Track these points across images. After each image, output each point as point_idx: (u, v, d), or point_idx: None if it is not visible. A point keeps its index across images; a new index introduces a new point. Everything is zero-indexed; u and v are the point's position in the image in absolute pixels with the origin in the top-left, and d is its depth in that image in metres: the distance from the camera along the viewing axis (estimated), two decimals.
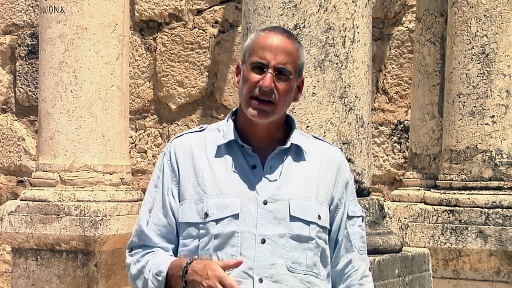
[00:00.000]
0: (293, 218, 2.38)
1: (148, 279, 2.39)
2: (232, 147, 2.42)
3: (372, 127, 5.55)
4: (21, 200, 6.07)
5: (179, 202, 2.42)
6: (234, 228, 2.35)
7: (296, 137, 2.45)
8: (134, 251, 2.47)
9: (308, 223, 2.39)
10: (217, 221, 2.36)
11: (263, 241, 2.35)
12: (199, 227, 2.36)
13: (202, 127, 2.51)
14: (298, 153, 2.45)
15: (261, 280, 2.34)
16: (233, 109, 2.50)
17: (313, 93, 3.91)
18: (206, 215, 2.37)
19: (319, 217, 2.40)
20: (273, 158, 2.41)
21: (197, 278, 2.29)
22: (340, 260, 2.49)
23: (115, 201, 5.93)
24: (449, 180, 5.76)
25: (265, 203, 2.37)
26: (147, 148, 8.24)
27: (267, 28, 2.47)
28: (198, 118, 8.01)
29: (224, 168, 2.40)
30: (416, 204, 5.97)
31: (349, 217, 2.49)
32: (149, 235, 2.44)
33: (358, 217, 2.52)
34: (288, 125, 2.48)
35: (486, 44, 5.64)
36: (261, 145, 2.43)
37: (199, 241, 2.37)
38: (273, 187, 2.39)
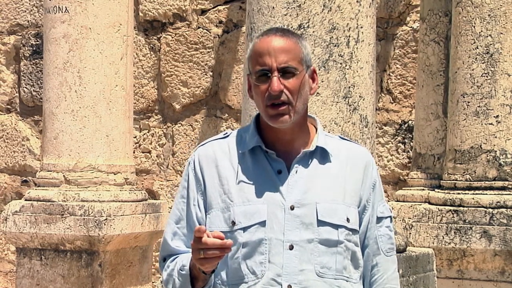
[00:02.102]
0: (320, 223, 2.34)
1: (175, 278, 2.37)
2: (257, 153, 2.40)
3: (376, 127, 5.55)
4: (26, 200, 6.08)
5: (207, 211, 2.40)
6: (261, 235, 2.33)
7: (321, 139, 2.42)
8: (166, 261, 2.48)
9: (336, 226, 2.35)
10: (244, 229, 2.34)
11: (291, 247, 2.32)
12: (227, 236, 2.32)
13: (226, 133, 2.48)
14: (323, 155, 2.41)
15: (290, 287, 2.32)
16: (257, 113, 2.47)
17: (317, 93, 3.91)
18: (233, 223, 2.34)
19: (348, 220, 2.37)
20: (299, 162, 2.38)
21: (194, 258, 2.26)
22: (367, 263, 2.45)
23: (119, 201, 5.93)
24: (453, 180, 5.76)
25: (292, 208, 2.34)
26: (151, 148, 8.25)
27: (261, 34, 2.44)
28: (202, 118, 8.01)
29: (249, 174, 2.37)
30: (420, 204, 5.96)
31: (378, 219, 2.46)
32: (175, 247, 2.43)
33: (386, 217, 2.48)
34: (314, 128, 2.45)
35: (491, 44, 5.63)
36: (286, 149, 2.39)
37: None
38: (300, 192, 2.35)
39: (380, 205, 2.47)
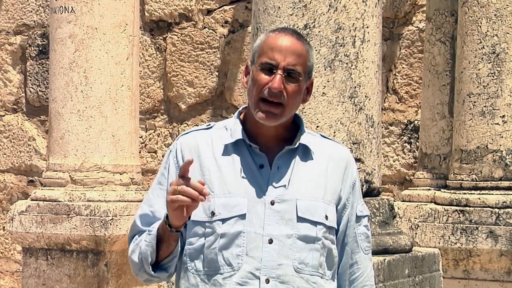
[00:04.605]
0: (300, 219, 2.36)
1: (141, 245, 2.37)
2: (240, 146, 2.41)
3: (382, 127, 5.54)
4: (32, 200, 6.09)
5: None
6: (240, 228, 2.34)
7: (304, 137, 2.44)
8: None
9: (315, 223, 2.37)
10: (223, 220, 2.35)
11: (271, 241, 2.34)
12: (205, 225, 2.35)
13: (210, 124, 2.50)
14: (305, 153, 2.43)
15: (267, 281, 2.33)
16: (241, 108, 2.49)
17: (323, 93, 3.91)
18: (213, 214, 2.36)
19: (326, 217, 2.39)
20: (281, 158, 2.40)
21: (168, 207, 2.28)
22: (346, 261, 2.48)
23: (125, 201, 5.94)
24: (459, 180, 5.75)
25: (272, 203, 2.36)
26: (157, 148, 8.25)
27: (277, 29, 2.46)
28: (208, 118, 8.02)
29: (231, 167, 2.39)
30: (426, 204, 5.96)
31: (357, 217, 2.49)
32: (146, 228, 2.42)
33: (364, 216, 2.51)
34: (296, 124, 2.47)
35: (497, 44, 5.63)
36: (268, 144, 2.41)
37: (205, 239, 2.35)
38: (281, 188, 2.37)
39: (359, 204, 2.50)
